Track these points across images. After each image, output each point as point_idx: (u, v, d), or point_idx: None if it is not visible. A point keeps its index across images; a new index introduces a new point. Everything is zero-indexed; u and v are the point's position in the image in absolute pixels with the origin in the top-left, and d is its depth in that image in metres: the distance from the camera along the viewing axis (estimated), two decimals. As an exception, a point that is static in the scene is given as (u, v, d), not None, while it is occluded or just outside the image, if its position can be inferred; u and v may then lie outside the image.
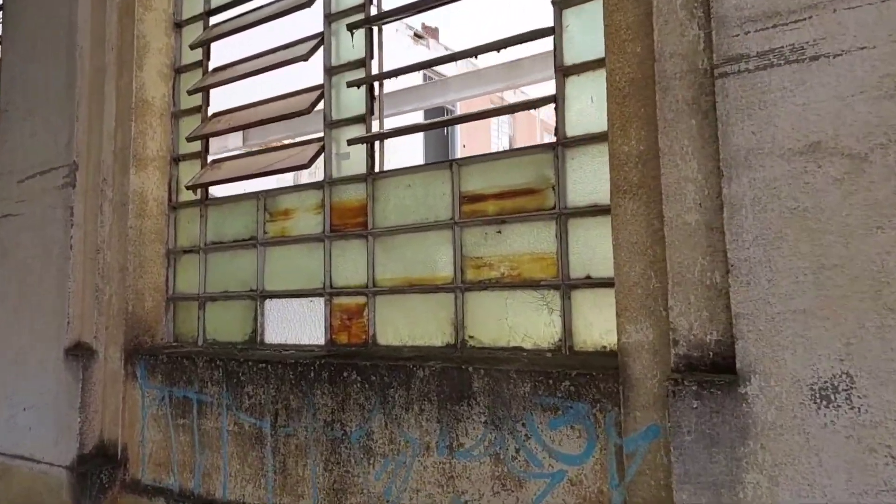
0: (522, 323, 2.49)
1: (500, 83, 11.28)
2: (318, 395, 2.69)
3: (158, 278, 3.70)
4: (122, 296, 3.53)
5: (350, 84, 2.97)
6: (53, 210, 3.77)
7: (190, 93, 3.65)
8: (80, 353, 3.54)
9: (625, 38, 2.08)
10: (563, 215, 2.42)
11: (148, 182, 3.68)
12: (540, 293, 2.46)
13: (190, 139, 3.58)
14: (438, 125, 2.80)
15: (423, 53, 19.49)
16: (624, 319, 2.01)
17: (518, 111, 2.52)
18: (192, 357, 3.18)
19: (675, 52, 1.91)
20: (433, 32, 20.08)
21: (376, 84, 3.04)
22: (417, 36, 19.33)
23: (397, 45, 17.82)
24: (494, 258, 2.58)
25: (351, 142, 2.93)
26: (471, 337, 2.62)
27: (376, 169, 2.99)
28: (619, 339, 2.01)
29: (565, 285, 2.39)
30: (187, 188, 3.55)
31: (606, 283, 2.30)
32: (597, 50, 2.38)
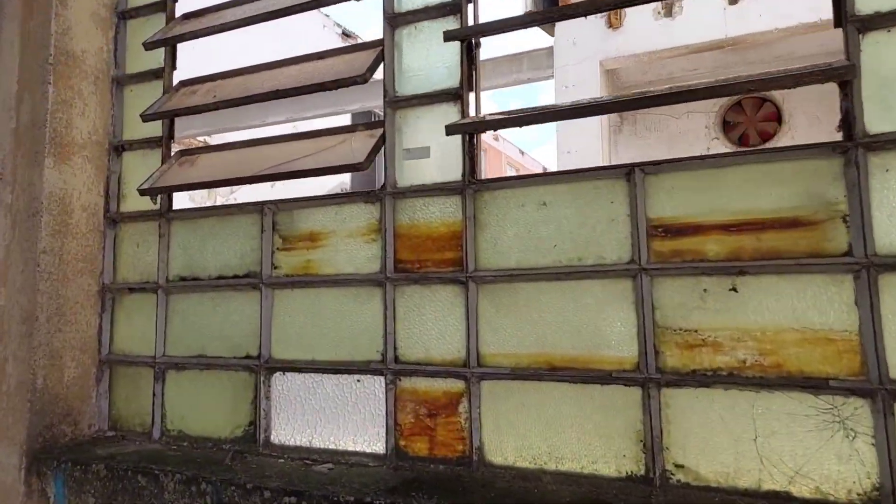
0: (788, 450, 1.45)
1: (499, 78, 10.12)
2: (406, 566, 1.54)
3: (87, 331, 2.38)
4: (26, 361, 2.20)
5: (448, 36, 1.83)
6: None
7: (148, 47, 2.36)
8: (-50, 457, 2.18)
9: None
10: (873, 268, 1.40)
11: (73, 181, 2.36)
12: (825, 400, 1.43)
13: (147, 118, 2.30)
14: (598, 109, 1.71)
15: (352, 51, 18.29)
16: None
17: (800, 85, 1.47)
18: (152, 471, 1.92)
19: None
20: (356, 38, 19.02)
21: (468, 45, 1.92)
22: (346, 35, 18.38)
23: (327, 41, 16.72)
24: (723, 332, 1.53)
25: (451, 129, 1.78)
26: (678, 466, 1.55)
27: (480, 175, 1.87)
28: None
29: (885, 392, 1.37)
30: (141, 193, 2.26)
31: (969, 392, 1.31)
32: (934, -13, 1.40)
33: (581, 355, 1.68)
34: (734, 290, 1.52)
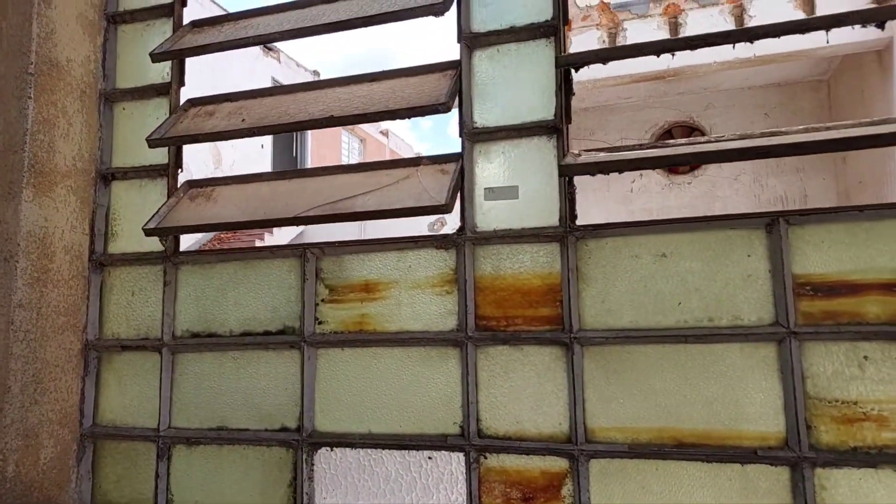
0: (974, 539, 1.29)
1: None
2: None
3: (67, 399, 1.94)
4: (-4, 443, 1.75)
5: (562, 62, 1.59)
6: None
7: (156, 58, 1.99)
8: None
9: None
10: None
11: (56, 217, 1.94)
12: None
13: (155, 143, 1.92)
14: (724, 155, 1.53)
15: (273, 66, 17.79)
16: None
17: None
18: (179, 584, 1.54)
19: None
20: (277, 51, 18.48)
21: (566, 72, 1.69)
22: (267, 48, 17.90)
23: (247, 55, 16.14)
24: (889, 405, 1.37)
25: (568, 170, 1.54)
26: (844, 559, 1.36)
27: (580, 220, 1.64)
28: None
29: None
30: (147, 233, 1.87)
31: None
32: None
33: (715, 430, 1.47)
34: (901, 357, 1.37)
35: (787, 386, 1.43)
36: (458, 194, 1.70)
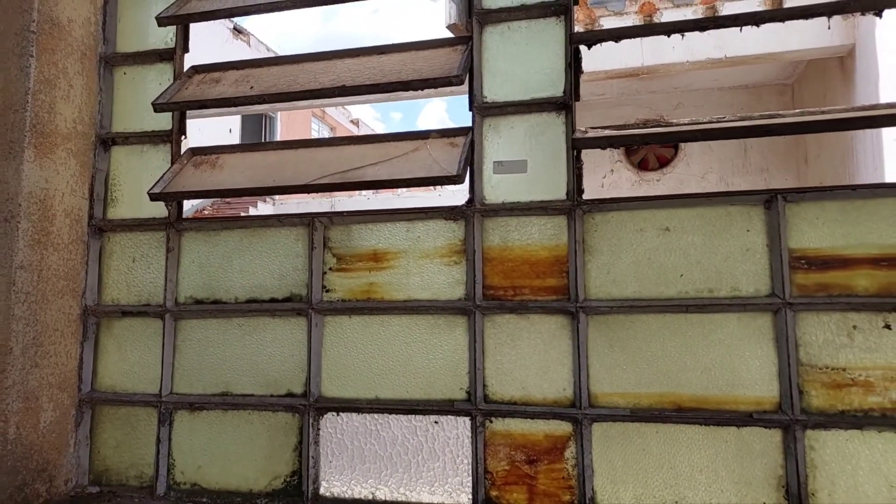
0: (948, 494, 1.40)
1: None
2: None
3: (66, 364, 1.93)
4: (-4, 405, 1.74)
5: (575, 39, 1.64)
6: None
7: (162, 22, 1.97)
8: None
9: None
10: None
11: (56, 179, 1.91)
12: None
13: (160, 107, 1.90)
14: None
15: (243, 49, 17.52)
16: None
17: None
18: (189, 543, 1.56)
19: None
20: (247, 34, 18.16)
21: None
22: (237, 31, 17.58)
23: (216, 37, 15.84)
24: (874, 372, 1.47)
25: (578, 143, 1.60)
26: (829, 513, 1.46)
27: (587, 195, 1.70)
28: None
29: None
30: (153, 198, 1.86)
31: None
32: None
33: (712, 395, 1.56)
34: (888, 327, 1.46)
35: (781, 353, 1.52)
36: (468, 167, 1.75)
